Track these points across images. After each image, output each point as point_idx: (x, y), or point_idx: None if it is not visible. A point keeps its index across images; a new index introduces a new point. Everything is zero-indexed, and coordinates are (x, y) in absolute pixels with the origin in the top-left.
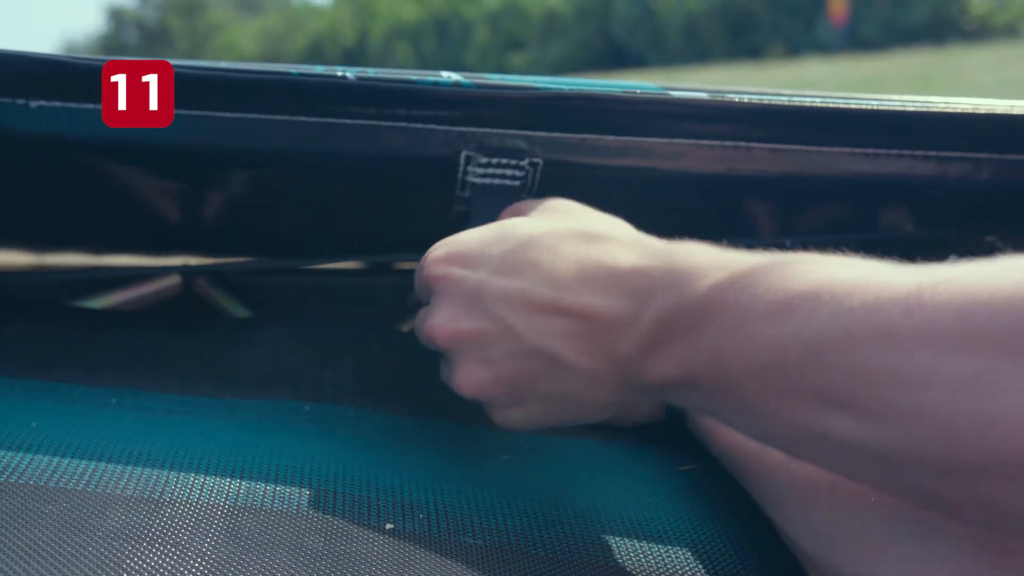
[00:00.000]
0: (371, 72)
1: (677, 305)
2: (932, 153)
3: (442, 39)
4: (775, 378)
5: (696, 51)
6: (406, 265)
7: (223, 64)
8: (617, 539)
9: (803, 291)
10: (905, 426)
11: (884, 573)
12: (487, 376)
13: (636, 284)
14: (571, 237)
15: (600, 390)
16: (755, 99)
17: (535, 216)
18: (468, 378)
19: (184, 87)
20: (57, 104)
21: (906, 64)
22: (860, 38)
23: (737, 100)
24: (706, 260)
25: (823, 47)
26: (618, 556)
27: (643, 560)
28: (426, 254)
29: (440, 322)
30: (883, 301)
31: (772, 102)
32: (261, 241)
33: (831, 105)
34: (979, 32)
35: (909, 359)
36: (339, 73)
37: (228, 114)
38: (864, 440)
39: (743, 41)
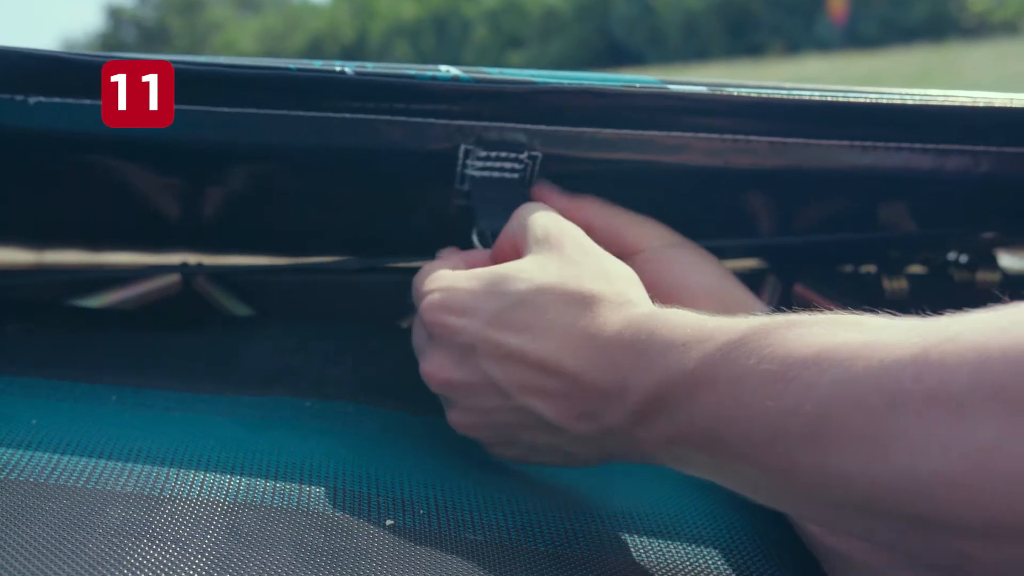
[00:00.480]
0: (369, 67)
1: (666, 380)
2: (931, 146)
3: (441, 37)
4: (779, 449)
5: (695, 49)
6: (406, 263)
7: (222, 59)
8: (618, 534)
9: (800, 359)
10: (926, 493)
11: (897, 560)
12: (476, 422)
13: (619, 357)
14: (560, 299)
15: (588, 449)
16: (754, 92)
17: (531, 261)
18: (458, 421)
19: (183, 82)
20: (56, 100)
21: (905, 61)
22: (859, 36)
23: (736, 93)
24: (691, 330)
25: (823, 45)
26: (619, 551)
27: (645, 555)
28: (421, 284)
29: (433, 369)
30: (888, 365)
31: (771, 95)
32: (260, 237)
33: (830, 98)
34: (978, 29)
35: (924, 425)
36: (337, 68)
37: (227, 109)
38: (880, 508)
39: (742, 39)
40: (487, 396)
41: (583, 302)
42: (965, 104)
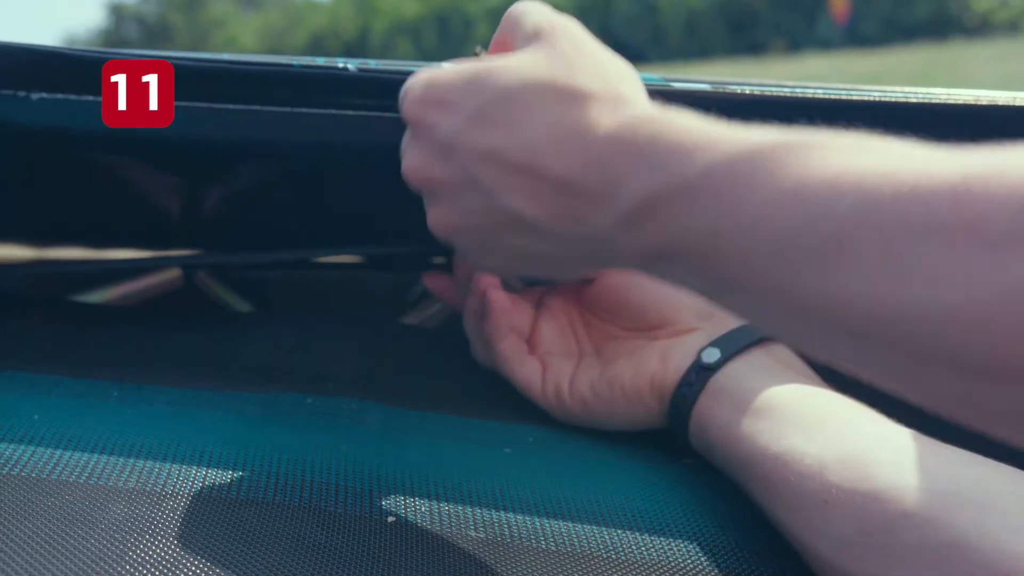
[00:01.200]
0: (372, 64)
1: (663, 187)
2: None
3: (443, 35)
4: (783, 270)
5: (697, 48)
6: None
7: (224, 56)
8: (619, 532)
9: (817, 179)
10: (941, 326)
11: None
12: (456, 223)
13: (611, 158)
14: (548, 95)
15: (574, 254)
16: (757, 90)
17: (519, 56)
18: (438, 221)
19: (185, 79)
20: (58, 96)
21: (907, 60)
22: (861, 35)
23: (739, 91)
24: (696, 136)
25: (824, 44)
26: (620, 549)
27: (645, 553)
28: (408, 82)
29: (413, 165)
30: (920, 193)
31: (774, 93)
32: (262, 234)
33: (833, 96)
34: (980, 29)
35: (955, 256)
36: (340, 65)
37: (229, 106)
38: (882, 337)
39: (744, 38)
40: (469, 195)
41: (573, 98)
42: (968, 102)
